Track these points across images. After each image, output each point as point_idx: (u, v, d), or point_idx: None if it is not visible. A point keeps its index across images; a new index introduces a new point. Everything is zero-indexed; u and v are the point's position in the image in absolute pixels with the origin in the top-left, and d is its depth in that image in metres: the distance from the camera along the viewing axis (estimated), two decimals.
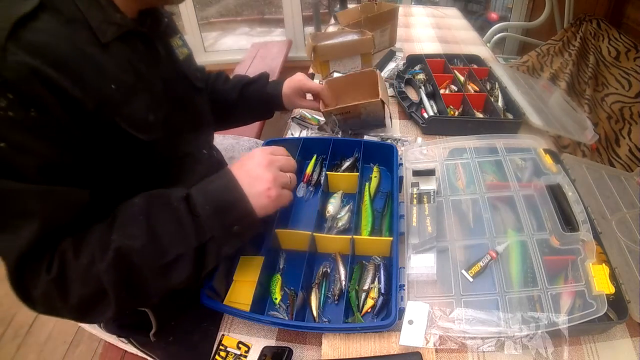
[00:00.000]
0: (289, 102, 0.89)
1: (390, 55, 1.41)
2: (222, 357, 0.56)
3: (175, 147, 0.61)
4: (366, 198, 0.76)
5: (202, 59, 2.48)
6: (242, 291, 0.62)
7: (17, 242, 0.42)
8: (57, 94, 0.42)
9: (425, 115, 1.02)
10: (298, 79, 0.88)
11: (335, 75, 1.09)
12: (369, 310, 0.60)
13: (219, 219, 0.48)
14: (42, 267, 0.43)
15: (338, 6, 2.36)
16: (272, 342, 0.58)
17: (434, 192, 0.70)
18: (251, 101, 0.88)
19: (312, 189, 0.82)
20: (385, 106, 0.90)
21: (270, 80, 0.90)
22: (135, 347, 0.79)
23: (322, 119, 1.01)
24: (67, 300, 0.44)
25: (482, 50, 1.46)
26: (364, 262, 0.66)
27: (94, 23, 0.47)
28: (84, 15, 0.47)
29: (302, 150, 0.84)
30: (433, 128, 0.98)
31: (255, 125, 1.60)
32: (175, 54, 0.65)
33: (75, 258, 0.44)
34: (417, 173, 0.73)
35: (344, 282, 0.63)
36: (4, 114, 0.39)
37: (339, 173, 0.81)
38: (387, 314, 0.57)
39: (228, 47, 2.90)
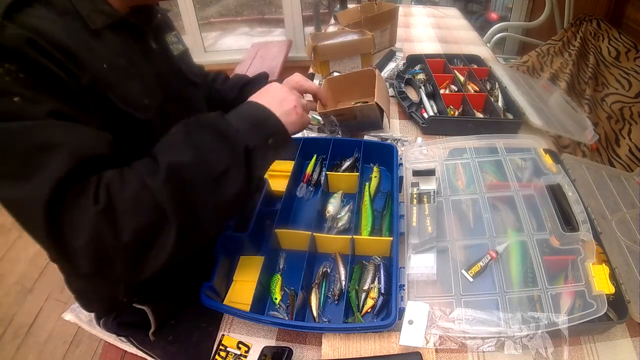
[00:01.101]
0: None
1: (390, 55, 1.41)
2: (222, 357, 0.56)
3: None
4: (366, 198, 0.76)
5: (202, 59, 2.49)
6: (242, 291, 0.63)
7: (47, 175, 0.38)
8: (54, 62, 0.43)
9: (425, 115, 1.02)
10: (296, 79, 0.88)
11: (335, 75, 1.09)
12: (369, 310, 0.60)
13: (257, 131, 0.51)
14: (87, 200, 0.39)
15: (338, 6, 2.36)
16: (272, 342, 0.58)
17: (434, 192, 0.70)
18: None
19: (312, 189, 0.82)
20: (383, 108, 0.90)
21: (269, 80, 0.90)
22: (134, 346, 0.79)
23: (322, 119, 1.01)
24: (120, 238, 0.39)
25: (482, 50, 1.46)
26: (364, 262, 0.66)
27: (84, 12, 0.49)
28: (74, 7, 0.49)
29: (302, 150, 0.84)
30: (433, 128, 0.98)
31: None
32: (169, 50, 0.66)
33: (121, 188, 0.41)
34: (417, 173, 0.73)
35: (344, 282, 0.63)
36: (16, 75, 0.41)
37: (339, 173, 0.81)
38: (387, 314, 0.57)
39: (228, 47, 2.91)
